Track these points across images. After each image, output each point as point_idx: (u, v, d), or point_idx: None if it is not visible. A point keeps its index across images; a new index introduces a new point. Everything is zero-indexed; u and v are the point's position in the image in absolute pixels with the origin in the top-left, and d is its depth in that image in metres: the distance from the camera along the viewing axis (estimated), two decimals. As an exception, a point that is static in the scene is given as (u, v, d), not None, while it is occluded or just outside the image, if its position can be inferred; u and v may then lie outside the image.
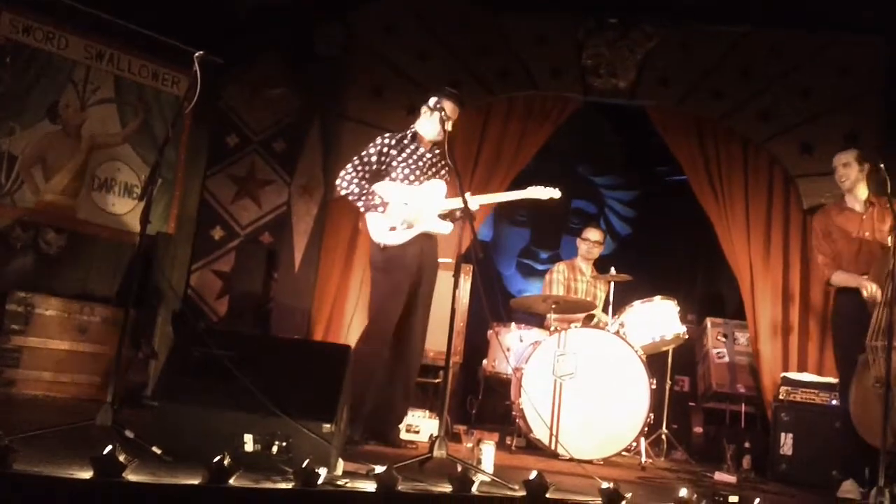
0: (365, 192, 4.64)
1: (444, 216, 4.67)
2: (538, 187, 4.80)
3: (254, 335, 5.60)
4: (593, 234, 6.43)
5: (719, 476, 4.94)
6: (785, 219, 6.27)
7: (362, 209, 4.68)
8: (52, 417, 4.18)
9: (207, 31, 5.81)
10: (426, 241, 4.71)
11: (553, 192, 4.79)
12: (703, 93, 6.41)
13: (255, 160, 6.52)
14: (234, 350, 3.29)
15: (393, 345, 4.67)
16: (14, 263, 5.39)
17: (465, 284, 5.83)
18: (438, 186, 4.72)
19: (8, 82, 5.43)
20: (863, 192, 4.93)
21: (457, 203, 4.59)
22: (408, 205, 4.63)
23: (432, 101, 4.69)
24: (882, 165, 4.37)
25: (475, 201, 4.63)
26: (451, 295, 3.86)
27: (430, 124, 4.73)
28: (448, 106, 4.63)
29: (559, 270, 6.36)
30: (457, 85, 6.37)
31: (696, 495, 3.18)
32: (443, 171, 4.83)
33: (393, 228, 4.59)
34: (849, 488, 4.53)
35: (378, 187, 4.65)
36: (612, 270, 5.81)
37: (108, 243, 5.89)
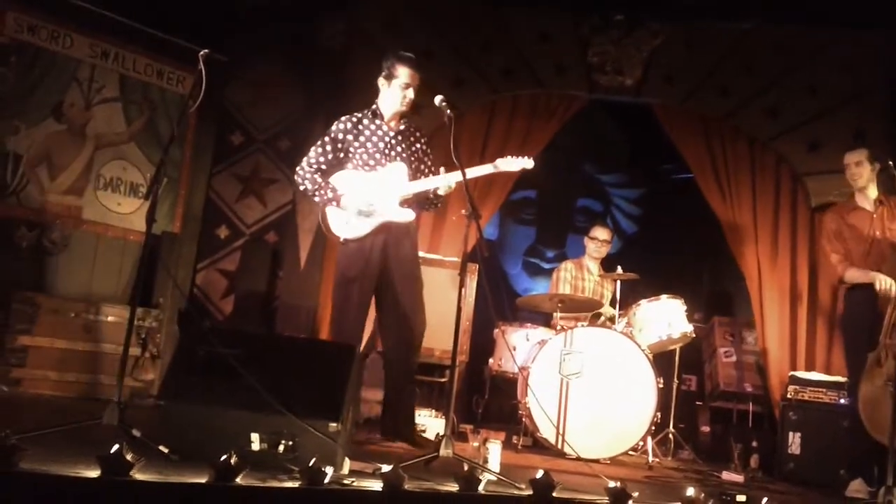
0: (319, 185, 4.41)
1: (405, 202, 4.41)
2: (508, 158, 4.45)
3: (259, 334, 5.59)
4: (601, 232, 6.41)
5: (727, 475, 4.92)
6: (792, 217, 6.25)
7: (319, 203, 4.47)
8: (59, 416, 4.17)
9: (211, 29, 5.81)
10: (392, 231, 4.42)
11: (525, 163, 4.44)
12: (708, 90, 6.39)
13: (260, 159, 6.51)
14: (239, 349, 3.28)
15: (384, 343, 4.58)
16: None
17: (471, 283, 5.80)
18: (398, 170, 4.41)
19: (13, 81, 5.43)
20: (873, 190, 4.94)
21: (421, 186, 4.38)
22: (365, 194, 4.37)
23: (385, 69, 4.46)
24: (891, 163, 4.35)
25: (442, 180, 4.37)
26: (456, 294, 3.84)
27: (389, 96, 4.47)
28: (403, 71, 4.40)
29: (567, 269, 6.35)
30: (461, 83, 6.40)
31: (703, 494, 3.17)
32: (416, 147, 4.53)
33: (347, 222, 4.39)
34: (857, 487, 4.53)
35: (335, 178, 4.43)
36: (619, 269, 5.79)
37: (114, 243, 5.88)
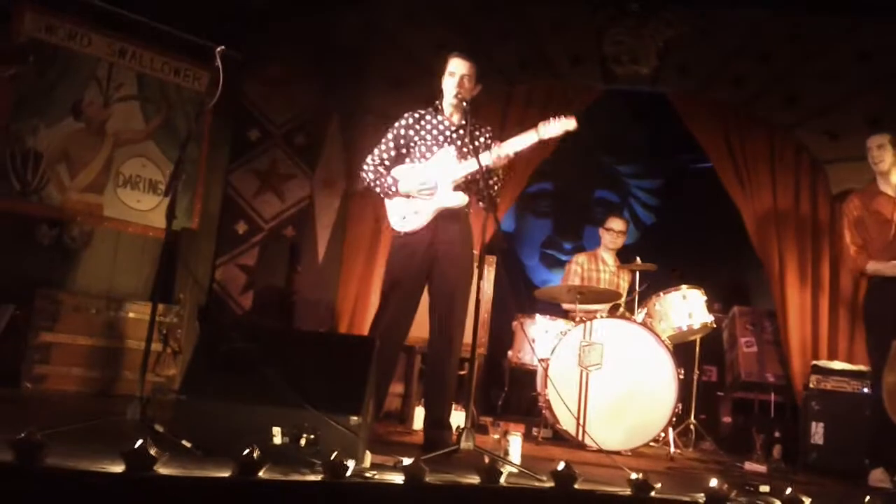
0: (379, 174, 4.38)
1: (459, 186, 4.29)
2: (550, 121, 4.21)
3: (279, 328, 5.62)
4: (616, 223, 6.39)
5: (749, 466, 4.91)
6: (813, 205, 6.20)
7: (380, 193, 4.42)
8: (83, 412, 4.21)
9: (227, 26, 5.82)
10: (443, 225, 4.30)
11: (567, 124, 4.19)
12: (725, 79, 6.35)
13: (277, 154, 6.52)
14: (259, 343, 3.30)
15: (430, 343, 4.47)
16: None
17: (490, 275, 5.79)
18: (446, 154, 4.32)
19: (32, 80, 5.46)
20: (895, 175, 4.89)
21: (469, 167, 4.24)
22: (420, 175, 4.29)
23: (441, 67, 4.39)
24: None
25: (487, 158, 4.16)
26: (475, 286, 3.84)
27: (444, 90, 4.39)
28: (450, 61, 4.33)
29: (578, 262, 6.33)
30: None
31: (726, 486, 3.15)
32: (478, 140, 4.36)
33: (405, 217, 4.34)
34: (879, 477, 4.51)
35: (395, 172, 4.38)
36: (637, 260, 5.77)
37: (134, 240, 5.92)
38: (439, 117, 4.44)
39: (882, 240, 4.80)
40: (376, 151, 4.47)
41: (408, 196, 4.33)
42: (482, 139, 4.41)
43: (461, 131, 4.37)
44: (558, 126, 4.20)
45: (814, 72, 6.24)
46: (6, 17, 5.36)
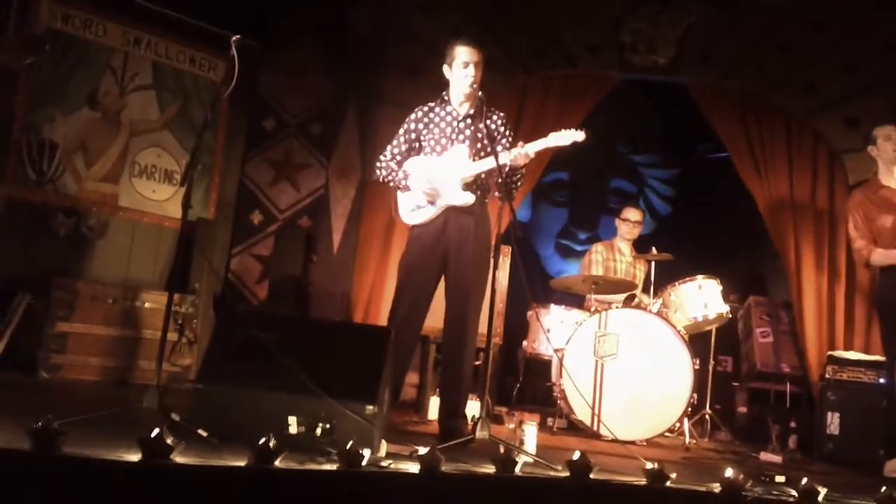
0: (392, 170, 4.39)
1: (469, 185, 4.27)
2: (561, 132, 4.24)
3: (295, 317, 5.63)
4: (633, 213, 6.37)
5: (765, 456, 4.91)
6: (830, 195, 6.17)
7: (393, 186, 4.42)
8: (99, 401, 4.23)
9: (243, 15, 5.81)
10: (455, 216, 4.27)
11: (577, 135, 4.20)
12: (744, 68, 6.30)
13: (293, 144, 6.51)
14: (275, 332, 3.30)
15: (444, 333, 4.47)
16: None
17: (505, 265, 5.77)
18: (459, 153, 4.29)
19: (48, 70, 5.47)
20: None
21: (482, 166, 4.22)
22: (430, 179, 4.27)
23: (446, 55, 4.34)
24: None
25: (506, 157, 4.11)
26: (490, 276, 3.83)
27: (453, 81, 4.35)
28: (459, 50, 4.28)
29: (597, 251, 6.32)
30: (492, 64, 6.32)
31: (742, 475, 3.14)
32: (489, 127, 4.30)
33: (414, 209, 4.33)
34: (895, 468, 4.48)
35: (406, 164, 4.38)
36: (653, 250, 5.75)
37: (150, 229, 5.94)
38: (447, 108, 4.41)
39: (889, 232, 4.77)
40: (388, 147, 4.47)
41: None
42: (493, 126, 4.36)
43: (468, 120, 4.35)
44: (568, 137, 4.22)
45: (835, 61, 6.18)
46: (24, 7, 5.38)
